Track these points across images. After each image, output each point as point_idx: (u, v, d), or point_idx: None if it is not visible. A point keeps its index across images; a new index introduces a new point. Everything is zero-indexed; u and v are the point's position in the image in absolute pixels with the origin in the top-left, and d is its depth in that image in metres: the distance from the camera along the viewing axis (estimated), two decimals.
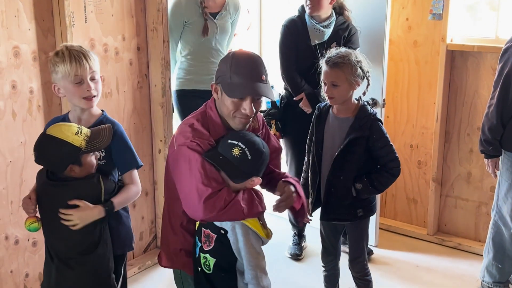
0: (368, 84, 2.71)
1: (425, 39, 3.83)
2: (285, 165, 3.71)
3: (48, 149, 2.13)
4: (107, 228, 2.27)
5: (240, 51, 2.27)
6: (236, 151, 2.03)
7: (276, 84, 3.58)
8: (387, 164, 2.66)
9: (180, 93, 3.69)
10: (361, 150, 2.63)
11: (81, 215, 2.13)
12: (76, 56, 2.19)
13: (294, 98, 3.45)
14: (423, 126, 3.97)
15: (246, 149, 2.04)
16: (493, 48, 3.57)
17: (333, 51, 2.64)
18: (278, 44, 3.49)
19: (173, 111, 3.58)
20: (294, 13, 3.49)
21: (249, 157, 2.04)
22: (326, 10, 3.35)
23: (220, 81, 2.13)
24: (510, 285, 3.21)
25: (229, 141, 2.06)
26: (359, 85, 2.63)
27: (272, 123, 3.52)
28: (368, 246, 3.70)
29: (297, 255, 3.72)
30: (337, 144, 2.64)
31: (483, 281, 3.22)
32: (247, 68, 2.11)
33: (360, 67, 2.60)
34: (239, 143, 2.05)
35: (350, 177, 2.66)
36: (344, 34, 3.41)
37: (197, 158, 2.04)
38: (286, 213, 3.80)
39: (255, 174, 2.10)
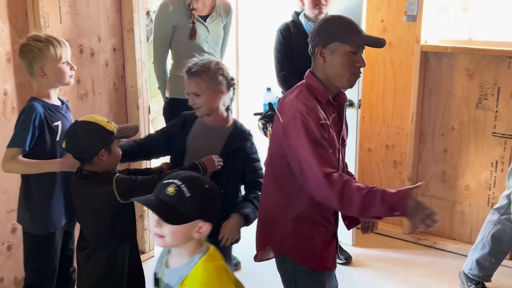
0: (234, 91, 2.61)
1: (399, 40, 3.89)
2: None
3: (82, 132, 2.26)
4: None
5: (332, 15, 2.33)
6: (170, 189, 1.68)
7: (273, 87, 3.58)
8: (258, 181, 2.55)
9: (171, 102, 3.46)
10: (241, 163, 2.55)
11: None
12: (60, 40, 2.49)
13: None
14: (398, 126, 4.02)
15: (182, 185, 1.68)
16: (466, 49, 3.64)
17: (193, 60, 2.57)
18: (273, 48, 3.49)
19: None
20: (273, 17, 3.51)
21: (187, 195, 1.67)
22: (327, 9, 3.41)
23: (330, 40, 2.09)
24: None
25: (164, 181, 1.73)
26: (223, 93, 2.52)
27: (269, 126, 3.51)
28: (345, 249, 3.78)
29: None
30: (210, 153, 2.49)
31: (468, 273, 3.28)
32: (352, 23, 2.16)
33: (222, 74, 2.51)
34: (175, 180, 1.70)
35: (232, 193, 2.59)
36: None
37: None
38: None
39: (200, 217, 1.70)
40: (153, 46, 3.44)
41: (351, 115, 3.63)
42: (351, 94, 3.61)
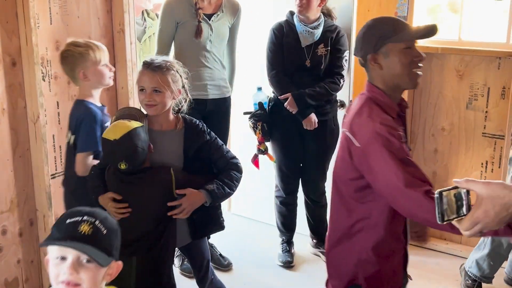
0: (187, 98, 2.55)
1: None
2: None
3: (129, 142, 2.27)
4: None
5: (371, 20, 2.11)
6: (85, 228, 1.46)
7: (264, 87, 3.58)
8: (230, 163, 2.51)
9: None
10: (207, 155, 2.51)
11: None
12: (98, 45, 2.68)
13: (279, 97, 3.43)
14: None
15: (96, 222, 1.49)
16: (456, 50, 3.66)
17: (151, 56, 2.51)
18: (266, 47, 3.49)
19: None
20: (266, 17, 3.51)
21: (104, 232, 1.49)
22: (315, 11, 3.37)
23: (381, 43, 1.96)
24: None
25: (68, 220, 1.48)
26: (179, 94, 2.47)
27: (259, 125, 3.51)
28: None
29: (289, 262, 3.68)
30: (174, 158, 2.45)
31: (468, 270, 3.30)
32: (396, 19, 2.09)
33: (181, 76, 2.47)
34: (86, 218, 1.48)
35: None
36: (331, 36, 3.43)
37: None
38: (273, 220, 3.85)
39: (115, 256, 1.54)
40: (156, 42, 3.40)
41: (342, 116, 3.63)
42: (342, 94, 3.63)
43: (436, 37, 3.80)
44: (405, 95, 3.79)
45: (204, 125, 2.57)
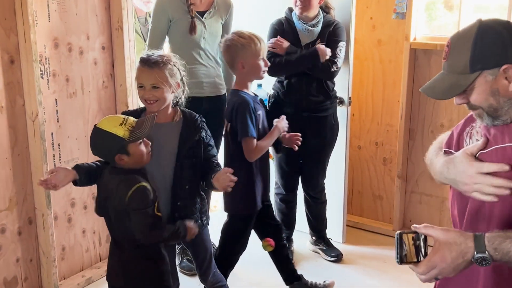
0: (184, 89, 2.56)
1: (389, 38, 3.91)
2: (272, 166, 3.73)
3: (95, 140, 2.32)
4: None
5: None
6: None
7: (264, 83, 3.58)
8: (214, 168, 2.54)
9: None
10: (200, 152, 2.55)
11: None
12: (260, 38, 2.82)
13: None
14: (388, 123, 4.04)
15: None
16: None
17: (147, 52, 2.52)
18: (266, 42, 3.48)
19: None
20: (265, 14, 3.51)
21: None
22: (315, 9, 3.38)
23: None
24: None
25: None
26: (178, 87, 2.50)
27: None
28: (336, 246, 3.80)
29: None
30: (169, 152, 2.49)
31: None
32: None
33: (178, 69, 2.49)
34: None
35: (195, 187, 2.58)
36: (329, 30, 3.42)
37: None
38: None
39: None
40: (148, 39, 3.40)
41: (341, 113, 3.65)
42: (341, 91, 3.63)
43: (434, 34, 3.84)
44: (404, 91, 3.81)
45: (203, 120, 2.59)
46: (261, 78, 2.93)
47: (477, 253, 1.40)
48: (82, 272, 3.44)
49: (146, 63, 2.42)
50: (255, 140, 2.80)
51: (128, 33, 3.39)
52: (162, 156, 2.46)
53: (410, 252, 1.52)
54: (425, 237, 1.53)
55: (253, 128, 2.79)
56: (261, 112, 2.90)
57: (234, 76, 3.59)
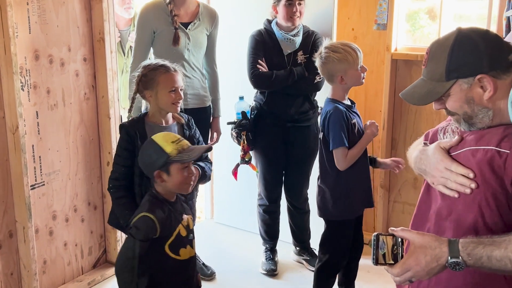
0: None
1: (370, 48, 3.94)
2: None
3: (144, 150, 2.35)
4: None
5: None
6: None
7: (246, 95, 3.59)
8: (206, 158, 2.80)
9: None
10: None
11: None
12: (355, 48, 2.83)
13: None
14: None
15: None
16: None
17: (155, 60, 2.77)
18: (246, 53, 3.50)
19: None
20: (244, 26, 3.52)
21: None
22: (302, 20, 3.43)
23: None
24: None
25: None
26: None
27: (243, 135, 3.52)
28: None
29: (273, 270, 3.67)
30: None
31: None
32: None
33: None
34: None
35: None
36: (309, 41, 3.46)
37: None
38: (256, 228, 3.84)
39: None
40: (133, 51, 3.39)
41: None
42: (323, 101, 3.64)
43: (415, 45, 3.87)
44: (386, 101, 3.84)
45: (191, 118, 2.82)
46: (360, 84, 2.94)
47: (451, 258, 1.43)
48: (63, 286, 3.41)
49: (172, 69, 2.65)
50: (346, 149, 2.82)
51: (110, 45, 3.38)
52: None
53: (388, 254, 1.57)
54: (402, 240, 1.57)
55: (344, 137, 2.80)
56: (356, 120, 2.90)
57: (219, 87, 3.62)
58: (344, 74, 2.82)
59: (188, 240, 2.37)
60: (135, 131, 2.61)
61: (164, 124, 2.69)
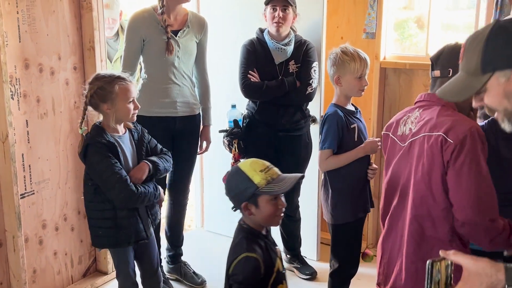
0: None
1: None
2: None
3: (231, 180, 2.14)
4: None
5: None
6: None
7: (238, 104, 3.59)
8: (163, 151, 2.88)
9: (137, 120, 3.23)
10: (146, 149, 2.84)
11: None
12: (363, 58, 2.87)
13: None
14: None
15: None
16: (424, 65, 3.73)
17: (111, 71, 2.83)
18: (238, 63, 3.50)
19: None
20: (236, 36, 3.53)
21: None
22: (288, 28, 3.43)
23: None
24: None
25: None
26: None
27: (235, 143, 3.52)
28: (310, 264, 3.80)
29: None
30: (133, 155, 2.79)
31: None
32: None
33: None
34: None
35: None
36: (301, 50, 3.47)
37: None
38: None
39: None
40: (122, 59, 3.37)
41: (314, 131, 3.67)
42: (314, 110, 3.66)
43: (404, 53, 3.90)
44: (375, 109, 3.86)
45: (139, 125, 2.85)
46: (357, 96, 2.97)
47: (508, 286, 1.39)
48: None
49: (128, 79, 2.65)
50: (329, 152, 2.88)
51: (100, 53, 3.38)
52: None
53: (442, 280, 1.49)
54: (451, 263, 1.50)
55: (332, 141, 2.86)
56: (356, 125, 2.93)
57: (211, 96, 3.62)
58: (342, 75, 2.88)
59: (283, 274, 2.17)
60: (105, 143, 2.58)
61: (120, 134, 2.69)
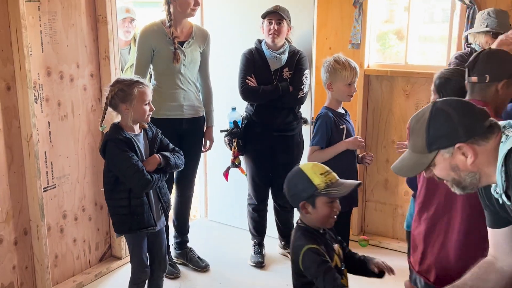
0: None
1: None
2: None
3: (291, 179, 2.07)
4: None
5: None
6: None
7: (238, 107, 3.59)
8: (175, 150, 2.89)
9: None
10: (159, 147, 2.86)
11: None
12: (354, 67, 2.91)
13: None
14: None
15: None
16: (403, 73, 3.74)
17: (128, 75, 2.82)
18: (238, 69, 3.49)
19: None
20: (237, 46, 3.53)
21: None
22: (283, 38, 3.43)
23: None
24: None
25: None
26: None
27: (234, 141, 3.52)
28: None
29: (260, 263, 3.66)
30: (147, 151, 2.80)
31: None
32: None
33: None
34: None
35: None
36: (295, 59, 3.47)
37: None
38: (245, 225, 3.84)
39: None
40: (134, 67, 3.35)
41: (305, 131, 3.68)
42: (305, 113, 3.67)
43: (385, 62, 3.91)
44: (359, 111, 3.87)
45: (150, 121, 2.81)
46: (347, 101, 3.00)
47: None
48: (73, 278, 3.38)
49: (145, 84, 2.66)
50: (315, 148, 2.90)
51: (114, 62, 3.38)
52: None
53: None
54: None
55: (320, 139, 2.89)
56: (345, 127, 2.95)
57: (213, 100, 3.62)
58: (333, 82, 2.91)
59: (342, 270, 2.07)
60: (123, 139, 2.60)
61: (136, 132, 2.69)
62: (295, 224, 2.13)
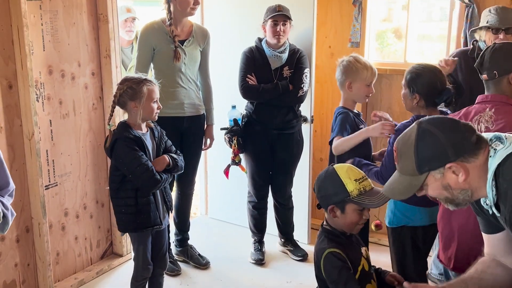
0: None
1: None
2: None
3: (325, 180, 2.00)
4: None
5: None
6: None
7: (238, 105, 3.59)
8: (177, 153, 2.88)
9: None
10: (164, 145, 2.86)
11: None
12: (370, 67, 2.84)
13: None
14: None
15: None
16: (401, 71, 3.70)
17: (133, 74, 2.77)
18: (238, 67, 3.49)
19: None
20: (237, 45, 3.53)
21: None
22: (286, 38, 3.44)
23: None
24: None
25: None
26: None
27: (234, 139, 3.52)
28: (301, 247, 3.81)
29: (261, 260, 3.67)
30: (154, 149, 2.79)
31: (430, 273, 3.19)
32: None
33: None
34: None
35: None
36: (295, 57, 3.47)
37: None
38: (246, 222, 3.84)
39: None
40: (136, 66, 3.36)
41: (305, 129, 3.68)
42: (305, 111, 3.67)
43: (384, 60, 3.90)
44: (359, 108, 3.86)
45: (156, 123, 2.82)
46: (362, 102, 2.99)
47: None
48: (74, 275, 3.39)
49: (154, 82, 2.66)
50: (337, 138, 2.75)
51: (115, 61, 3.38)
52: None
53: None
54: None
55: (339, 131, 2.74)
56: (363, 126, 2.84)
57: (213, 98, 3.61)
58: (353, 82, 2.81)
59: (371, 274, 2.02)
60: (132, 137, 2.59)
61: (143, 131, 2.68)
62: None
